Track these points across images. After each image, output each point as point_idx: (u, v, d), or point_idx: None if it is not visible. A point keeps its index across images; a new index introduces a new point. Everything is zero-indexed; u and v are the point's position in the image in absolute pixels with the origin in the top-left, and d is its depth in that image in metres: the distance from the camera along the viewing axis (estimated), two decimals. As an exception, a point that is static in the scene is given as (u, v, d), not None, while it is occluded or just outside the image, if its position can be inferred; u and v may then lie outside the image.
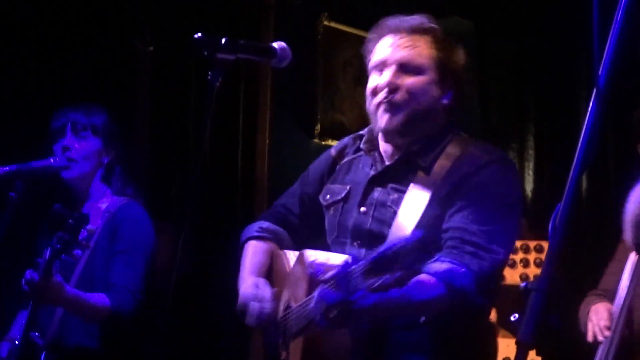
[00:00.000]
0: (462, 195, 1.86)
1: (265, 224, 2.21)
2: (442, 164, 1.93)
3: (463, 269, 1.75)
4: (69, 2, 3.30)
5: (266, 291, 1.95)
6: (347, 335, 1.81)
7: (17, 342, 2.64)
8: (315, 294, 1.64)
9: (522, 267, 3.51)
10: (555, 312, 2.26)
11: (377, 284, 1.55)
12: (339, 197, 2.09)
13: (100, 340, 2.69)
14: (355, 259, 1.59)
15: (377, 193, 2.00)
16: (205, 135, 1.70)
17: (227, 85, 1.82)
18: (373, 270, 1.52)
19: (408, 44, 1.95)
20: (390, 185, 1.99)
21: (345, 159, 2.17)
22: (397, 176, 1.98)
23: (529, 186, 3.83)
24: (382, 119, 1.91)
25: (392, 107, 1.90)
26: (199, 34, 1.65)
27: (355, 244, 1.99)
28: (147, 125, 3.38)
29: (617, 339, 2.67)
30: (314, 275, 1.84)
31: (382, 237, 1.89)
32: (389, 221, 1.94)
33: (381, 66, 1.96)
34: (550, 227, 1.40)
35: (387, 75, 1.92)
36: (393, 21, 1.99)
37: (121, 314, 2.63)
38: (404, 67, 1.92)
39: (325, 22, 3.75)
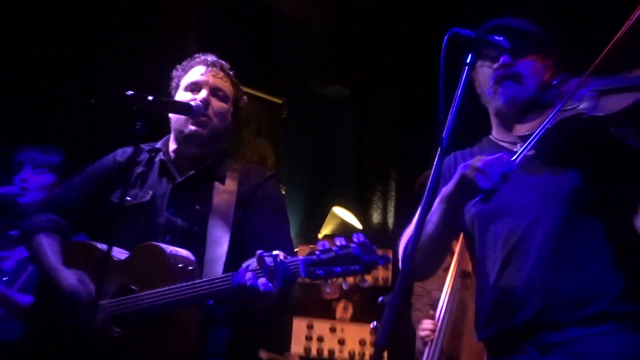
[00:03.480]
0: (258, 205, 2.19)
1: (54, 217, 2.26)
2: (231, 174, 2.23)
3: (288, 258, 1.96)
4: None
5: (91, 286, 2.03)
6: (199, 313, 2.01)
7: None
8: (247, 279, 1.79)
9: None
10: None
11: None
12: (144, 200, 2.21)
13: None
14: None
15: (183, 196, 2.19)
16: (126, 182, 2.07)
17: (152, 133, 2.04)
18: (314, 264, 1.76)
19: (220, 75, 2.24)
20: (193, 191, 2.20)
21: (139, 168, 2.27)
22: (197, 184, 2.21)
23: (390, 220, 4.58)
24: (189, 130, 2.13)
25: (202, 124, 2.14)
26: (130, 92, 1.89)
27: (167, 237, 2.13)
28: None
29: (440, 344, 3.10)
30: (187, 266, 2.01)
31: (192, 234, 2.12)
32: (198, 220, 2.15)
33: (193, 86, 2.20)
34: (402, 254, 1.67)
35: (203, 94, 2.16)
36: (206, 56, 2.28)
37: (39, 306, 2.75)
38: (215, 92, 2.21)
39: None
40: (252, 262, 1.88)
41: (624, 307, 1.65)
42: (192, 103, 2.10)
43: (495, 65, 1.86)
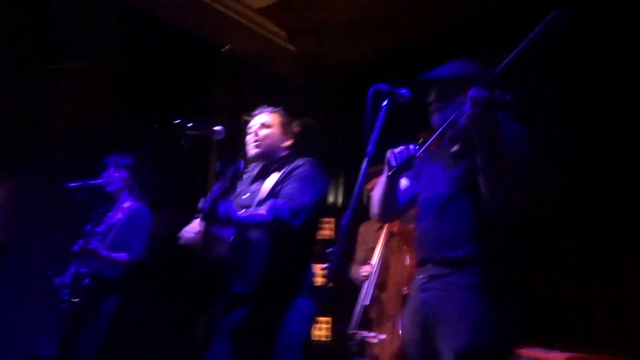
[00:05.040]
0: (288, 179, 2.51)
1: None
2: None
3: (281, 202, 2.35)
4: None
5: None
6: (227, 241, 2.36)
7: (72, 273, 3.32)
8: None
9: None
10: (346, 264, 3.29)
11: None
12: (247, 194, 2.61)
13: (120, 274, 3.38)
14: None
15: (255, 185, 2.61)
16: (178, 175, 2.50)
17: (195, 148, 2.33)
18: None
19: (264, 112, 2.67)
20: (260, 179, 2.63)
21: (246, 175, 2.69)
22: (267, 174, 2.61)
23: (339, 200, 5.39)
24: (250, 154, 2.59)
25: (256, 146, 2.59)
26: (177, 120, 2.23)
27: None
28: (153, 166, 4.03)
29: (375, 280, 3.31)
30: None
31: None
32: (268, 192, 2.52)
33: (250, 125, 2.62)
34: (342, 221, 1.82)
35: (254, 128, 2.60)
36: (259, 107, 2.67)
37: (134, 262, 3.38)
38: (260, 125, 2.61)
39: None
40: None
41: (476, 253, 1.88)
42: (215, 128, 2.45)
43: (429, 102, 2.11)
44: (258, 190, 2.55)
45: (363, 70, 5.22)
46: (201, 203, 2.15)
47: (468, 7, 4.41)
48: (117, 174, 3.55)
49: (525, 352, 2.98)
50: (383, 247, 3.34)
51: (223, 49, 5.00)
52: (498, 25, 4.16)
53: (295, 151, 2.68)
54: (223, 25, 5.02)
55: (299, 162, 2.56)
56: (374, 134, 1.78)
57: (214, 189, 2.13)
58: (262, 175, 2.62)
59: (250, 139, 2.61)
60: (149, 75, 4.44)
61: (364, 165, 1.78)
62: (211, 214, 2.12)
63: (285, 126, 2.67)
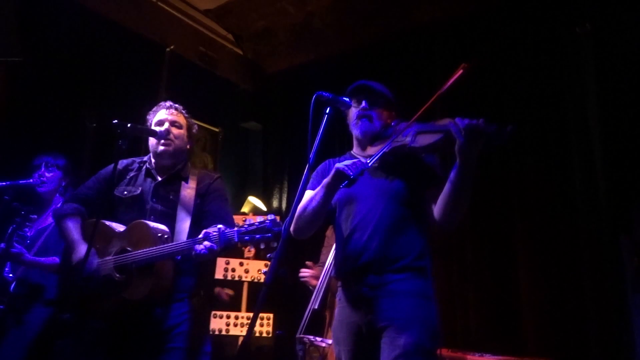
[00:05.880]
0: (209, 196, 2.46)
1: (76, 206, 2.46)
2: (192, 177, 2.51)
3: (224, 228, 2.18)
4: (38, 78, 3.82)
5: (94, 258, 2.26)
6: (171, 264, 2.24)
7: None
8: (218, 232, 2.07)
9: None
10: (285, 268, 3.61)
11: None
12: (136, 193, 2.45)
13: (52, 280, 3.12)
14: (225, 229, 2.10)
15: (161, 191, 2.47)
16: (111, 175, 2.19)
17: (131, 151, 2.24)
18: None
19: (175, 113, 2.58)
20: (167, 187, 2.48)
21: (132, 173, 2.54)
22: (170, 183, 2.49)
23: (284, 205, 5.45)
24: (160, 149, 2.45)
25: (167, 144, 2.48)
26: (115, 120, 2.12)
27: (151, 217, 2.37)
28: (89, 168, 3.83)
29: (324, 286, 3.29)
30: (164, 235, 2.26)
31: (167, 215, 2.37)
32: (171, 206, 2.40)
33: (159, 122, 2.51)
34: (283, 227, 1.87)
35: (166, 125, 2.49)
36: (166, 103, 2.59)
37: (65, 266, 2.68)
38: (173, 124, 2.53)
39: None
40: (205, 233, 2.17)
41: (418, 263, 2.02)
42: (157, 129, 2.48)
43: (358, 108, 2.20)
44: (170, 198, 2.46)
45: (309, 76, 5.30)
46: None
47: (410, 17, 4.57)
48: (49, 175, 3.36)
49: (459, 355, 3.08)
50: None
51: (168, 49, 4.93)
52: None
53: (187, 157, 2.65)
54: (168, 25, 5.04)
55: (213, 178, 2.55)
56: (317, 140, 1.81)
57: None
58: (170, 181, 2.53)
59: (161, 133, 2.52)
60: (90, 72, 4.34)
61: (306, 170, 1.81)
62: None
63: (190, 131, 2.65)
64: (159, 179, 2.51)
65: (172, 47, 4.94)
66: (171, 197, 2.45)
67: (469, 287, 3.91)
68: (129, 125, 2.13)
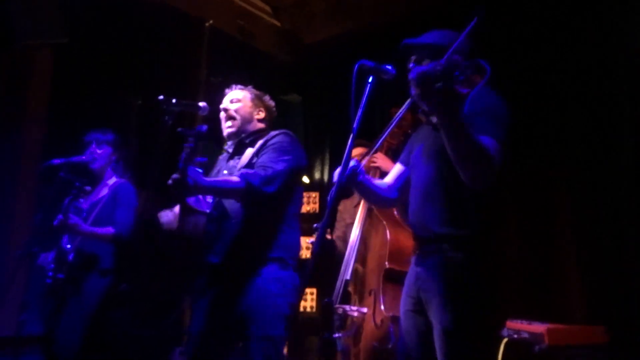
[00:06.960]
0: (263, 151, 2.53)
1: None
2: (261, 141, 2.59)
3: (253, 171, 2.38)
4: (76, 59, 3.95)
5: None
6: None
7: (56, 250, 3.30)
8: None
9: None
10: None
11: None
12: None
13: (107, 251, 3.34)
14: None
15: (231, 163, 2.62)
16: (158, 152, 2.11)
17: (175, 124, 2.27)
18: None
19: (229, 92, 2.71)
20: (235, 158, 2.64)
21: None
22: (238, 153, 2.64)
23: (325, 177, 5.51)
24: (225, 133, 2.63)
25: (230, 125, 2.64)
26: (161, 97, 2.20)
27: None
28: (137, 142, 4.23)
29: (354, 255, 3.31)
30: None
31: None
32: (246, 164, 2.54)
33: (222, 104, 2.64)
34: (329, 196, 1.87)
35: (224, 105, 2.64)
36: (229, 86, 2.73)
37: (120, 236, 3.34)
38: (231, 101, 2.65)
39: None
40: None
41: (462, 231, 1.91)
42: (200, 104, 2.45)
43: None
44: (235, 166, 2.56)
45: (348, 46, 5.23)
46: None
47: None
48: (100, 151, 3.51)
49: (508, 324, 3.05)
50: (362, 222, 3.37)
51: (207, 24, 4.94)
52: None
53: (269, 125, 2.70)
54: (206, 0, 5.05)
55: (273, 133, 2.57)
56: (360, 110, 1.79)
57: (181, 157, 2.11)
58: (239, 151, 2.63)
59: (222, 116, 2.63)
60: (132, 51, 4.40)
61: (349, 141, 1.79)
62: (180, 181, 2.09)
63: (255, 100, 2.70)
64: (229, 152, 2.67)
65: (210, 21, 4.96)
66: (235, 164, 2.57)
67: (513, 253, 3.87)
68: (174, 101, 2.18)
